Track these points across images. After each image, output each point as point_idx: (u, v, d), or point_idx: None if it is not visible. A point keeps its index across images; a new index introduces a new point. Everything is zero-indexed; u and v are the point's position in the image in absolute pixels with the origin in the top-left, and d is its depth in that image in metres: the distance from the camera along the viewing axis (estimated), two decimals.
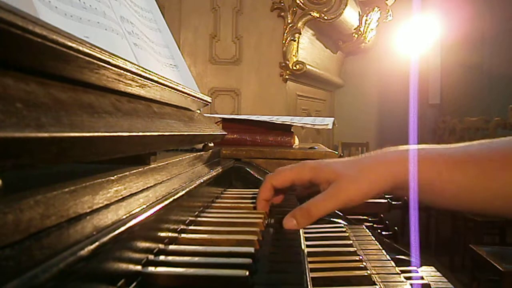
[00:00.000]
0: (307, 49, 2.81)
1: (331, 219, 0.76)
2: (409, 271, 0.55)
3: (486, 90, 3.49)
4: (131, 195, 0.38)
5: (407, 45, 3.84)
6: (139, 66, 0.41)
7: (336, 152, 1.02)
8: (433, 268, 0.63)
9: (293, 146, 1.20)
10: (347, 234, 0.66)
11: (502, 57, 3.32)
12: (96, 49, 0.31)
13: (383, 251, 0.59)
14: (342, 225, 0.73)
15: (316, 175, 0.57)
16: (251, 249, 0.42)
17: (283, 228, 0.54)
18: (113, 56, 0.34)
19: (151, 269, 0.36)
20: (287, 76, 2.61)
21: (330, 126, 1.24)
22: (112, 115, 0.35)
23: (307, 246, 0.55)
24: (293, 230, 0.54)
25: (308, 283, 0.38)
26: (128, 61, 0.38)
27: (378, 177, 0.54)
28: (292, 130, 1.24)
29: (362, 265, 0.50)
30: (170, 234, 0.45)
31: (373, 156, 0.57)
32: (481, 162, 0.50)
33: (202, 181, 0.58)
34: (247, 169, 0.94)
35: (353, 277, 0.48)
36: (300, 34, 2.60)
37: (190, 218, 0.54)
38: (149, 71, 0.43)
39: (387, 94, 4.02)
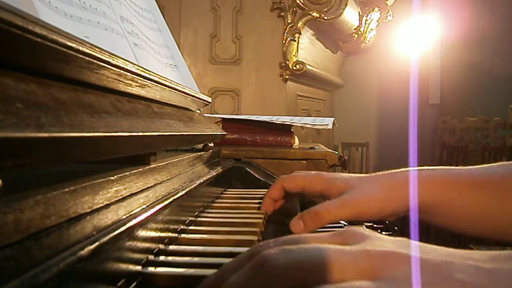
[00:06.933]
0: (307, 49, 2.81)
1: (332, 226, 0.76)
2: None
3: (486, 90, 3.49)
4: (131, 195, 0.38)
5: (407, 45, 3.84)
6: (139, 66, 0.41)
7: (336, 152, 1.02)
8: None
9: (293, 146, 1.20)
10: None
11: (502, 57, 3.32)
12: (96, 49, 0.31)
13: None
14: (342, 224, 0.73)
15: (328, 187, 0.54)
16: None
17: (290, 230, 0.51)
18: (113, 56, 0.34)
19: (151, 269, 0.36)
20: (287, 76, 2.62)
21: (330, 126, 1.24)
22: (112, 115, 0.35)
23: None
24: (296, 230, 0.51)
25: None
26: (128, 61, 0.38)
27: (395, 195, 0.50)
28: (292, 130, 1.24)
29: None
30: (170, 234, 0.45)
31: (390, 174, 0.53)
32: (504, 183, 0.47)
33: (202, 181, 0.58)
34: (247, 169, 0.94)
35: None
36: (300, 34, 2.60)
37: (190, 218, 0.54)
38: (149, 71, 0.43)
39: (387, 94, 4.02)
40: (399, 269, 0.23)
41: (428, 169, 0.52)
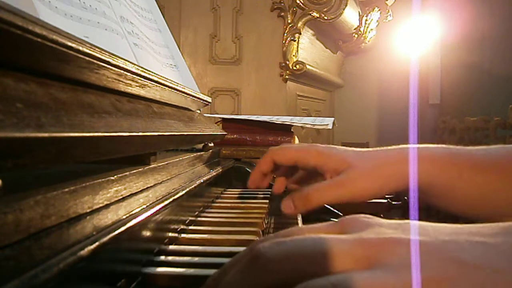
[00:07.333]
0: (307, 49, 2.81)
1: (331, 218, 0.76)
2: None
3: (486, 90, 3.49)
4: (131, 195, 0.38)
5: (407, 45, 3.84)
6: (139, 66, 0.41)
7: None
8: None
9: None
10: None
11: (502, 57, 3.32)
12: (96, 49, 0.31)
13: None
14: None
15: (323, 161, 0.51)
16: None
17: (282, 212, 0.49)
18: (113, 56, 0.34)
19: (151, 269, 0.36)
20: (287, 76, 2.61)
21: (330, 126, 1.24)
22: (112, 115, 0.35)
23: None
24: (286, 210, 0.49)
25: None
26: (128, 61, 0.38)
27: (393, 174, 0.48)
28: (292, 130, 1.24)
29: None
30: (170, 234, 0.45)
31: (389, 151, 0.51)
32: (504, 165, 0.46)
33: (202, 181, 0.58)
34: (247, 169, 0.94)
35: None
36: (300, 34, 2.60)
37: (190, 218, 0.54)
38: (149, 71, 0.43)
39: (387, 94, 4.02)
40: (396, 255, 0.22)
41: (428, 147, 0.50)
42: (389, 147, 0.52)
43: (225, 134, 0.85)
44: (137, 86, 0.42)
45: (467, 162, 0.48)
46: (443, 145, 0.51)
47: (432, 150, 0.50)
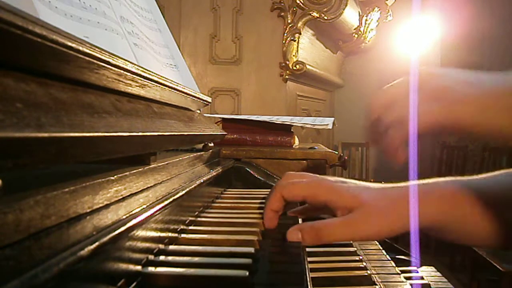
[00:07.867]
0: (307, 49, 2.81)
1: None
2: (409, 271, 0.55)
3: None
4: (131, 195, 0.38)
5: (407, 45, 3.84)
6: (139, 66, 0.41)
7: (336, 152, 1.02)
8: (433, 268, 0.63)
9: (293, 146, 1.20)
10: None
11: (502, 57, 3.32)
12: (96, 49, 0.31)
13: (383, 251, 0.59)
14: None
15: (335, 199, 0.50)
16: (251, 249, 0.42)
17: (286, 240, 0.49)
18: (113, 56, 0.34)
19: (151, 269, 0.36)
20: (287, 76, 2.61)
21: (330, 126, 1.24)
22: (112, 115, 0.35)
23: (307, 246, 0.55)
24: (292, 239, 0.49)
25: (308, 283, 0.38)
26: (128, 61, 0.38)
27: (405, 214, 0.47)
28: (292, 130, 1.24)
29: (362, 265, 0.50)
30: (170, 234, 0.45)
31: (401, 190, 0.50)
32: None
33: (202, 181, 0.58)
34: (247, 169, 0.94)
35: (353, 277, 0.48)
36: (300, 34, 2.60)
37: (190, 218, 0.54)
38: (149, 71, 0.43)
39: None
40: None
41: (437, 183, 0.50)
42: (400, 184, 0.51)
43: (225, 134, 0.85)
44: (137, 86, 0.42)
45: (477, 195, 0.48)
46: (451, 178, 0.51)
47: (441, 186, 0.50)
